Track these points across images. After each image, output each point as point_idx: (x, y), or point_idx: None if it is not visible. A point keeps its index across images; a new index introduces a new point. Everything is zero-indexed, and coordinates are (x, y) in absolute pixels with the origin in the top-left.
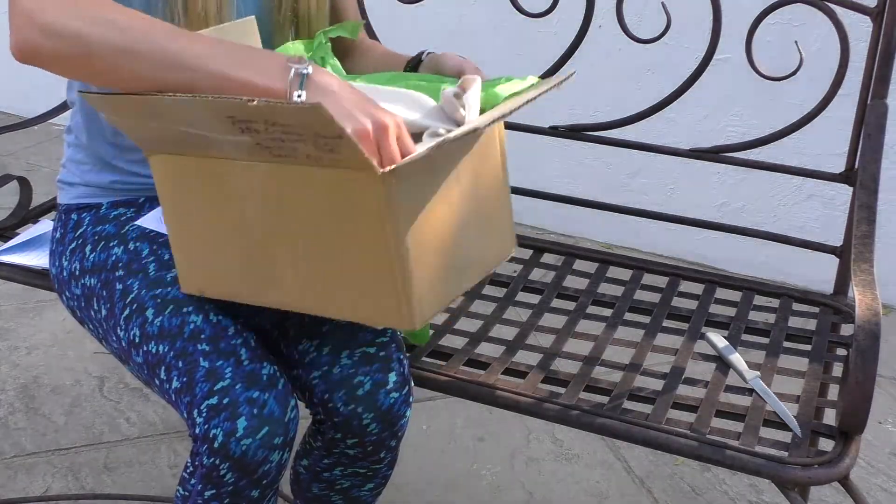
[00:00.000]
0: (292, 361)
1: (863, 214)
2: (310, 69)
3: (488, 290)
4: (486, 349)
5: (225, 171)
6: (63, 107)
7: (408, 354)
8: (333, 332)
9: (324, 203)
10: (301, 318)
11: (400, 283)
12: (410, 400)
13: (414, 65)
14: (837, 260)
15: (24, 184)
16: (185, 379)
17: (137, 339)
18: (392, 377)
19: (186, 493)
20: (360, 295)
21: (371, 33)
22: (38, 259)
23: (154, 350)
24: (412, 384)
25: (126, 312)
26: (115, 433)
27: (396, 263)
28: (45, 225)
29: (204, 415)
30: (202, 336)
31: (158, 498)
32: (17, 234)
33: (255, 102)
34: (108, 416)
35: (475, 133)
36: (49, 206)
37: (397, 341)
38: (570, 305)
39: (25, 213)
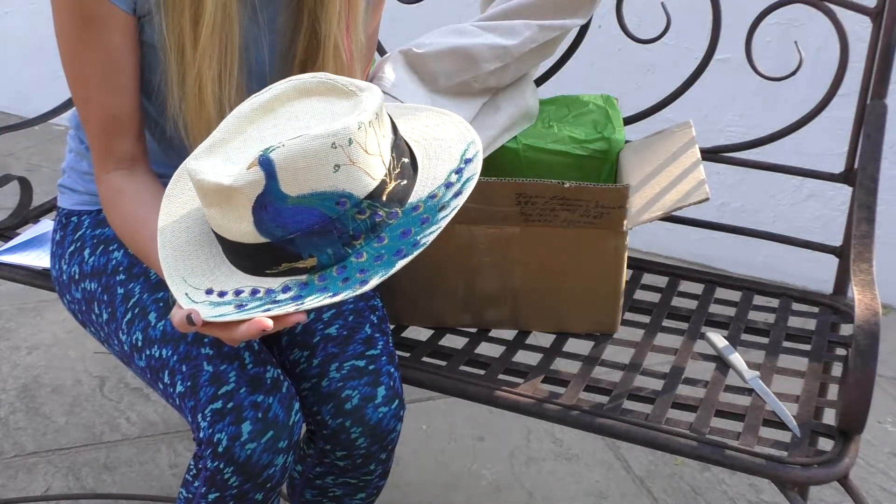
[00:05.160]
0: (283, 371)
1: (862, 214)
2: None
3: None
4: (486, 349)
5: (455, 232)
6: (63, 107)
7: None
8: (324, 344)
9: (562, 248)
10: (293, 329)
11: (618, 300)
12: (401, 414)
13: None
14: (837, 260)
15: (25, 184)
16: (188, 383)
17: (140, 343)
18: (381, 391)
19: (190, 496)
20: (583, 310)
21: None
22: (38, 259)
23: (157, 354)
24: (403, 398)
25: (128, 316)
26: (115, 433)
27: (620, 287)
28: (46, 225)
29: (208, 419)
30: (205, 340)
31: (158, 498)
32: (18, 233)
33: (569, 185)
34: (108, 416)
35: None
36: (50, 207)
37: (388, 355)
38: None
39: (26, 214)
